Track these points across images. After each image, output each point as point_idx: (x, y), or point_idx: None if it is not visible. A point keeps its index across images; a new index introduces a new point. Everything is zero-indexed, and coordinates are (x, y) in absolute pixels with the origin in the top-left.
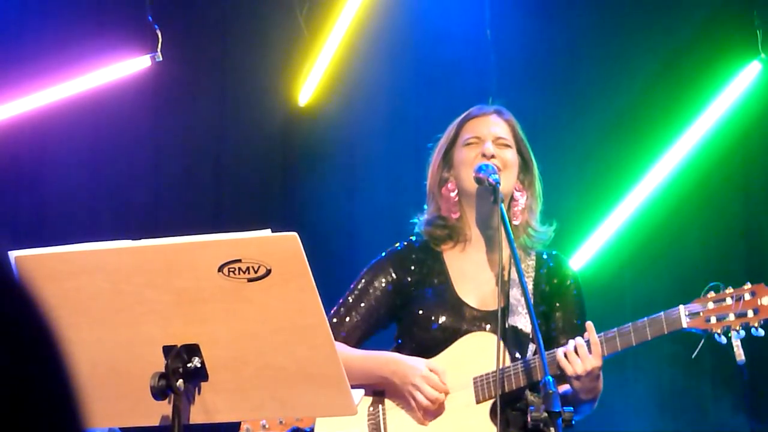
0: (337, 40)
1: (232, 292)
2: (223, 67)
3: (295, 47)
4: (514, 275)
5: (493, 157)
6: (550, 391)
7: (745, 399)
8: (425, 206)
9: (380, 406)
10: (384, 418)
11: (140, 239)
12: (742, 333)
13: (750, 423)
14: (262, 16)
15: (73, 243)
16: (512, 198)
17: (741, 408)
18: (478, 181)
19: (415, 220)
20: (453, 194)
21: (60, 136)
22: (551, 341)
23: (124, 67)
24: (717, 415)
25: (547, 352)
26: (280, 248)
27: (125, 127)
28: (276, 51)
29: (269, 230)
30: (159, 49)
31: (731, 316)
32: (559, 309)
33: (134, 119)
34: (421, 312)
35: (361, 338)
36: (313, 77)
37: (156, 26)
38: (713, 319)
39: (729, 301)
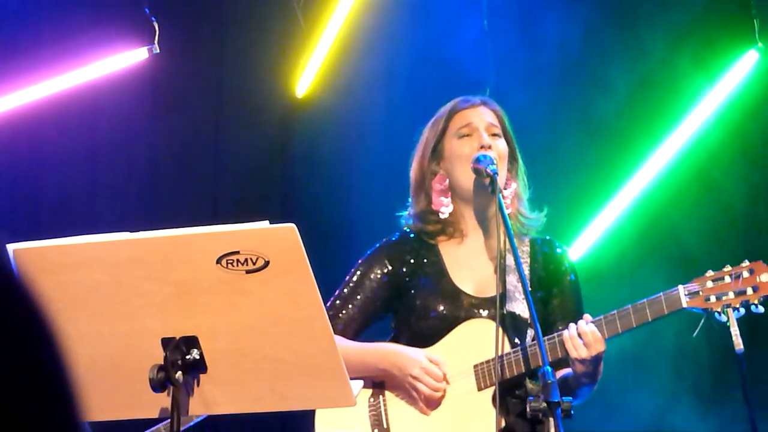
0: (334, 32)
1: (231, 284)
2: (221, 59)
3: (293, 39)
4: (510, 262)
5: (490, 147)
6: (549, 381)
7: (743, 389)
8: (409, 200)
9: (381, 397)
10: (385, 409)
11: (138, 231)
12: (742, 311)
13: (750, 413)
14: (259, 7)
15: (71, 235)
16: (505, 186)
17: (740, 399)
18: (476, 171)
19: (402, 214)
20: (444, 187)
21: (57, 128)
22: (549, 326)
23: (121, 59)
24: (715, 407)
25: (547, 338)
26: (279, 240)
27: (122, 120)
28: (273, 42)
29: (267, 222)
30: (156, 42)
31: (731, 294)
32: (556, 295)
33: (131, 112)
34: (418, 301)
35: (358, 330)
36: (311, 69)
37: (153, 18)
38: (713, 298)
39: (728, 279)
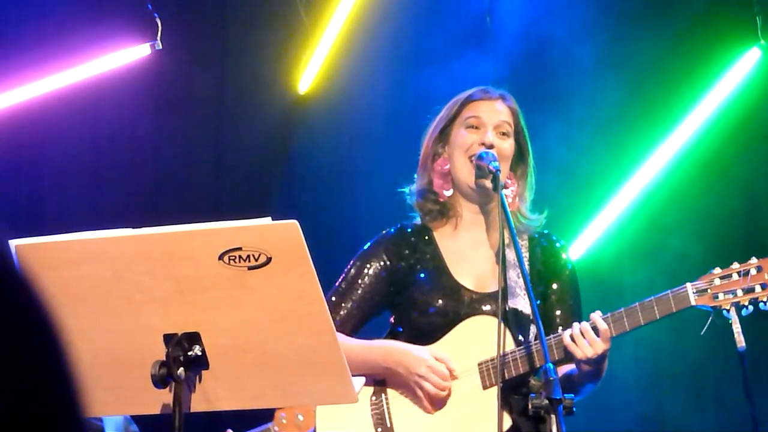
0: (336, 28)
1: (233, 280)
2: (223, 56)
3: (295, 35)
4: (510, 257)
5: (492, 146)
6: (551, 378)
7: (745, 386)
8: (415, 176)
9: (383, 395)
10: (388, 408)
11: (141, 227)
12: (750, 308)
13: (751, 411)
14: (262, 3)
15: (73, 231)
16: (504, 185)
17: (742, 395)
18: (479, 168)
19: (405, 189)
20: (445, 171)
21: (60, 124)
22: (548, 320)
23: (123, 55)
24: (718, 402)
25: (553, 336)
26: (281, 236)
27: (125, 116)
28: (276, 39)
29: (269, 218)
30: (159, 38)
31: (739, 292)
32: (555, 290)
33: (134, 108)
34: (417, 297)
35: (356, 326)
36: (313, 65)
37: (156, 14)
38: (721, 296)
39: (736, 276)
